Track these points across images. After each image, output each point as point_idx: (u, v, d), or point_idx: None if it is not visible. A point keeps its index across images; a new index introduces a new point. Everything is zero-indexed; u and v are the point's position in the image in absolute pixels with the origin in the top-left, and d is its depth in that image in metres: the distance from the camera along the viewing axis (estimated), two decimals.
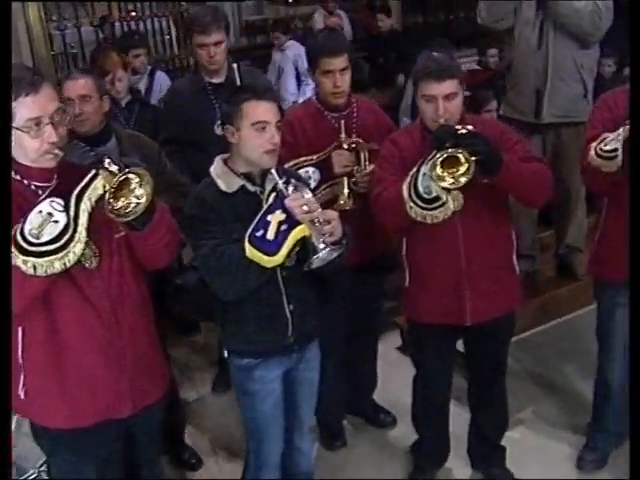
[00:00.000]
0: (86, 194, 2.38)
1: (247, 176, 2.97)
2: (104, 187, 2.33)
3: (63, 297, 2.56)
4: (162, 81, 6.08)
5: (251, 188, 2.96)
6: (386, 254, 3.91)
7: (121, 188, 2.35)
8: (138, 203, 2.38)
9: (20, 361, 2.61)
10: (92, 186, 2.38)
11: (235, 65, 4.37)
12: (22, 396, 2.64)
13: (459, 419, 3.92)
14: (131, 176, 2.34)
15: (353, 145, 3.61)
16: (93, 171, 2.36)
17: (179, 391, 4.30)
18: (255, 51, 9.77)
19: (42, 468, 3.15)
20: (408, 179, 3.13)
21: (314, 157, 3.60)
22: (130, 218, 2.41)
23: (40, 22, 6.89)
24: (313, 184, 3.53)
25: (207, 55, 4.23)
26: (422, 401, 3.76)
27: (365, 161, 3.60)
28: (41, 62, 6.85)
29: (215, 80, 4.32)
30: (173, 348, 5.11)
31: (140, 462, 2.94)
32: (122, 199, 2.36)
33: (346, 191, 3.59)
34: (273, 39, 8.40)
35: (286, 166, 3.45)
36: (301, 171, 3.53)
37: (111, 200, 2.32)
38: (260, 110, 2.89)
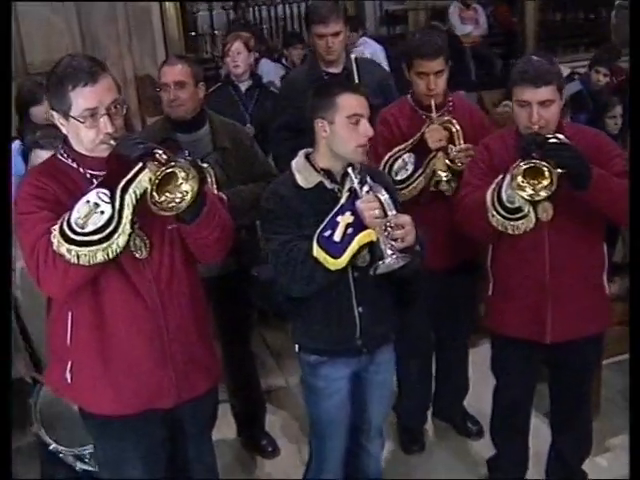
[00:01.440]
0: (131, 187, 2.38)
1: (327, 173, 2.94)
2: (150, 180, 2.32)
3: (111, 285, 2.57)
4: (266, 69, 6.11)
5: (329, 185, 2.93)
6: (477, 259, 3.79)
7: (166, 182, 2.33)
8: (182, 199, 2.36)
9: (68, 345, 2.64)
10: (138, 179, 2.37)
11: (353, 56, 4.34)
12: (68, 379, 2.68)
13: (541, 433, 3.77)
14: (177, 171, 2.32)
15: (445, 123, 3.55)
16: (140, 164, 2.36)
17: (260, 378, 4.33)
18: (392, 40, 9.68)
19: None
20: (493, 186, 3.03)
21: (408, 143, 3.55)
22: (173, 213, 2.40)
23: (174, 4, 7.02)
24: (410, 168, 3.50)
25: (325, 45, 4.22)
26: (501, 415, 3.63)
27: (459, 138, 3.52)
28: (172, 43, 6.98)
29: (332, 70, 4.31)
30: (270, 334, 5.19)
31: (189, 453, 2.92)
32: (167, 193, 2.35)
33: (444, 175, 3.52)
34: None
35: (383, 160, 3.41)
36: (398, 161, 3.50)
37: (154, 193, 2.31)
38: (355, 103, 2.87)
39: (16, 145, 4.24)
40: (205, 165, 3.48)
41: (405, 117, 3.68)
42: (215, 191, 3.41)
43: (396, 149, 3.55)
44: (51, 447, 3.20)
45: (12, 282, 3.19)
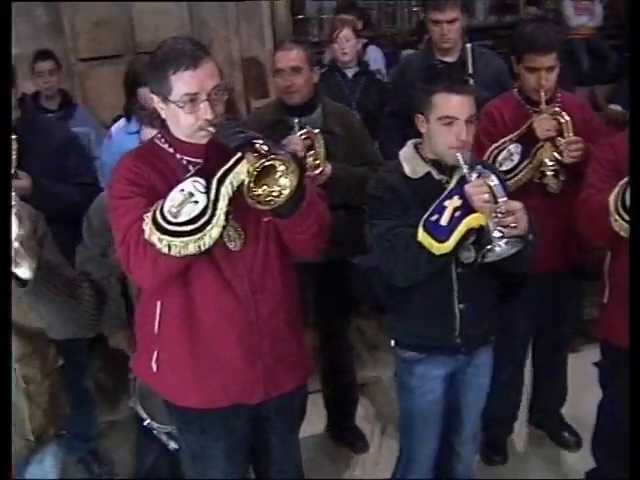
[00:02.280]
0: (228, 178, 2.29)
1: (435, 163, 2.88)
2: (248, 172, 2.21)
3: (202, 276, 2.51)
4: (373, 55, 6.03)
5: (437, 176, 2.88)
6: (584, 263, 3.67)
7: (265, 175, 2.22)
8: (280, 193, 2.25)
9: (156, 334, 2.61)
10: (235, 170, 2.28)
11: (469, 45, 4.22)
12: (154, 368, 2.64)
13: None
14: (276, 164, 2.21)
15: (554, 114, 3.43)
16: (238, 154, 2.27)
17: (356, 371, 4.28)
18: (501, 30, 9.43)
19: None
20: (617, 189, 2.88)
21: (514, 134, 3.44)
22: (270, 207, 2.29)
23: None
24: (516, 158, 3.40)
25: (440, 32, 4.14)
26: (605, 429, 3.48)
27: (568, 130, 3.39)
28: (280, 26, 6.96)
29: (446, 59, 4.21)
30: (366, 325, 5.14)
31: (274, 450, 2.87)
32: (265, 186, 2.24)
33: (550, 165, 3.41)
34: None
35: (488, 151, 3.35)
36: (503, 152, 3.40)
37: (251, 185, 2.21)
38: (450, 104, 2.78)
39: (121, 123, 4.29)
40: (316, 131, 3.47)
41: (510, 111, 3.55)
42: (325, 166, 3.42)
43: (501, 140, 3.44)
44: (146, 422, 3.21)
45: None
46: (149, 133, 2.95)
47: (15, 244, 2.07)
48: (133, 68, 4.34)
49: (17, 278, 2.18)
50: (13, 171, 3.07)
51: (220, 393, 2.61)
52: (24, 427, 2.45)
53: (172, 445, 3.19)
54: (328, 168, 3.49)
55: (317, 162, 3.46)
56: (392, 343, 3.11)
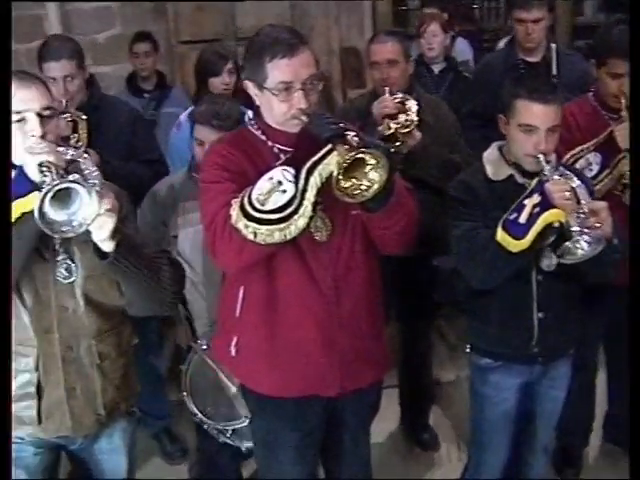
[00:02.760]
0: (318, 169, 2.28)
1: (518, 167, 2.83)
2: (337, 164, 2.20)
3: (286, 265, 2.51)
4: (461, 47, 5.93)
5: (519, 180, 2.84)
6: None
7: (354, 168, 2.20)
8: (369, 186, 2.23)
9: (237, 318, 2.62)
10: (325, 161, 2.27)
11: (554, 46, 4.11)
12: (233, 353, 2.66)
13: None
14: (367, 157, 2.19)
15: None
16: (329, 145, 2.25)
17: (433, 370, 4.26)
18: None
19: None
20: None
21: (592, 142, 3.28)
22: (358, 200, 2.28)
23: None
24: (595, 168, 3.26)
25: (524, 32, 4.05)
26: None
27: None
28: (381, 16, 6.90)
29: (530, 59, 4.13)
30: (448, 325, 5.08)
31: (345, 444, 2.85)
32: (353, 179, 2.22)
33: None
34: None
35: (564, 159, 3.22)
36: (580, 161, 3.26)
37: (340, 178, 2.19)
38: (531, 113, 2.73)
39: (190, 111, 4.33)
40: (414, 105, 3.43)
41: (585, 117, 3.38)
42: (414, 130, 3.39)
43: (578, 148, 3.29)
44: (195, 417, 3.23)
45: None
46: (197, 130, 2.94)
47: (99, 219, 2.12)
48: (204, 57, 4.38)
49: (99, 252, 2.24)
50: (84, 149, 3.15)
51: (295, 382, 2.61)
52: (96, 402, 2.51)
53: (222, 439, 3.21)
54: (418, 134, 3.46)
55: (408, 123, 3.43)
56: (468, 349, 3.09)
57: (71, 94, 3.43)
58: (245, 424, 3.00)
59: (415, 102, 3.46)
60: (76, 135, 3.26)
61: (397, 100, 3.45)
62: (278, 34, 2.42)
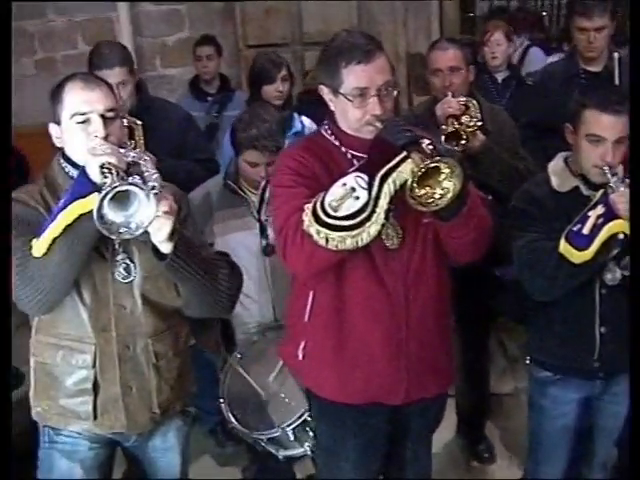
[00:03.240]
0: (391, 176, 2.25)
1: (584, 178, 2.78)
2: (412, 172, 2.19)
3: (356, 272, 2.50)
4: (534, 57, 5.86)
5: (585, 192, 2.78)
6: None
7: (428, 176, 2.19)
8: (442, 195, 2.22)
9: (305, 323, 2.62)
10: (399, 169, 2.24)
11: (616, 55, 4.01)
12: (300, 357, 2.66)
13: None
14: (441, 166, 2.18)
15: None
16: (404, 153, 2.24)
17: (490, 380, 4.20)
18: None
19: None
20: None
21: None
22: (431, 209, 2.26)
23: None
24: None
25: (586, 40, 3.95)
26: None
27: None
28: (448, 23, 6.87)
29: (591, 68, 4.03)
30: (508, 337, 5.01)
31: (406, 453, 2.84)
32: (427, 188, 2.21)
33: None
34: None
35: None
36: None
37: (414, 186, 2.18)
38: (600, 123, 2.68)
39: None
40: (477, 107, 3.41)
41: None
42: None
43: None
44: (231, 425, 3.24)
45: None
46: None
47: (157, 221, 2.14)
48: (258, 64, 4.40)
49: (157, 254, 2.26)
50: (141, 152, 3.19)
51: (361, 389, 2.61)
52: (151, 400, 2.53)
53: (258, 447, 3.23)
54: (481, 136, 3.43)
55: (471, 124, 3.41)
56: (527, 360, 3.05)
57: (124, 100, 3.47)
58: (278, 434, 3.03)
59: (477, 105, 3.44)
60: (133, 141, 3.28)
61: (461, 102, 3.43)
62: (354, 40, 2.42)
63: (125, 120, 3.22)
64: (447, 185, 2.21)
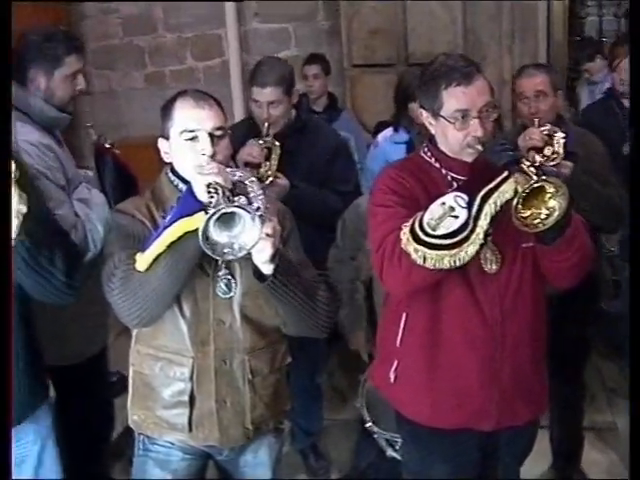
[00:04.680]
0: (493, 196, 2.24)
1: None
2: (514, 192, 2.18)
3: (452, 294, 2.48)
4: None
5: None
6: None
7: (533, 196, 2.18)
8: (548, 215, 2.20)
9: (397, 345, 2.62)
10: (501, 189, 2.23)
11: None
12: (391, 379, 2.65)
13: None
14: (547, 185, 2.16)
15: None
16: (505, 173, 2.23)
17: (587, 412, 4.09)
18: None
19: None
20: None
21: None
22: (537, 230, 2.24)
23: (562, 5, 6.76)
24: None
25: None
26: None
27: None
28: (555, 46, 6.76)
29: None
30: (607, 367, 4.89)
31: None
32: (532, 208, 2.20)
33: None
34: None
35: None
36: None
37: (519, 207, 2.17)
38: None
39: (388, 133, 4.37)
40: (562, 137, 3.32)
41: None
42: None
43: None
44: (367, 425, 3.25)
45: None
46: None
47: (260, 243, 2.14)
48: (405, 81, 4.38)
49: (257, 274, 2.27)
50: (270, 173, 3.21)
51: (452, 413, 2.58)
52: (244, 416, 2.53)
53: (389, 452, 3.22)
54: (568, 163, 3.30)
55: (554, 156, 3.30)
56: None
57: (274, 119, 3.46)
58: None
59: (563, 135, 3.36)
60: (268, 163, 3.30)
61: (545, 132, 3.36)
62: (454, 62, 2.43)
63: (263, 141, 3.27)
64: (553, 204, 2.19)
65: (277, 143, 3.35)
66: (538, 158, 3.28)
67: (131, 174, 3.44)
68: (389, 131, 4.38)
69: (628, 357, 2.25)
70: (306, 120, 3.77)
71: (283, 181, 3.32)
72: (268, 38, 6.79)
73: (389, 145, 4.22)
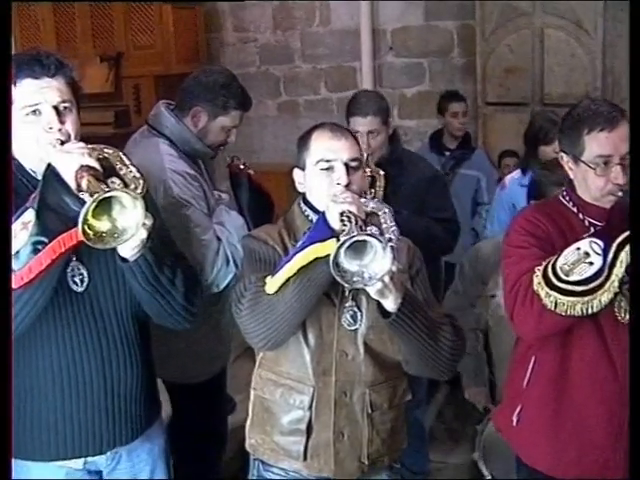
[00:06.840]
0: (629, 244, 2.16)
1: None
2: None
3: (584, 341, 2.42)
4: None
5: None
6: None
7: None
8: None
9: (523, 387, 2.57)
10: None
11: None
12: (514, 422, 2.60)
13: None
14: None
15: None
16: None
17: None
18: None
19: None
20: None
21: None
22: None
23: None
24: None
25: None
26: None
27: None
28: None
29: None
30: None
31: None
32: None
33: None
34: None
35: None
36: None
37: None
38: None
39: (516, 175, 4.30)
40: None
41: None
42: None
43: None
44: (486, 478, 3.16)
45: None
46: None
47: (386, 278, 2.14)
48: (537, 122, 4.32)
49: (382, 309, 2.26)
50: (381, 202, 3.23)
51: (574, 463, 2.50)
52: (361, 450, 2.51)
53: None
54: None
55: None
56: None
57: (373, 149, 3.52)
58: None
59: None
60: (373, 191, 3.32)
61: None
62: (597, 107, 2.39)
63: (368, 170, 3.30)
64: None
65: (381, 172, 3.37)
66: None
67: (266, 192, 3.51)
68: (517, 173, 4.32)
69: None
70: (401, 152, 3.81)
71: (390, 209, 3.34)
72: (402, 72, 6.83)
73: (515, 187, 4.16)
